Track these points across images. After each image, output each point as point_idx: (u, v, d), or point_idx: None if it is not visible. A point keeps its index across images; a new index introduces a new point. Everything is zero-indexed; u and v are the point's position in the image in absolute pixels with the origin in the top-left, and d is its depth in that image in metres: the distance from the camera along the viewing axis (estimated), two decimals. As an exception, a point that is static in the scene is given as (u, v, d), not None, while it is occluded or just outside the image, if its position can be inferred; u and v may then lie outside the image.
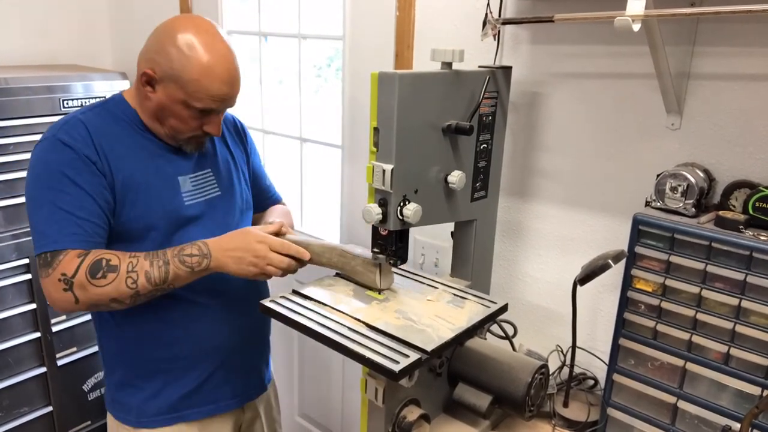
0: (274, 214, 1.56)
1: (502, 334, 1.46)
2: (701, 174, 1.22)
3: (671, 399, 1.20)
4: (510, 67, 1.40)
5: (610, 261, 1.24)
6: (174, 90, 1.22)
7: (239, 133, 1.54)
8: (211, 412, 1.44)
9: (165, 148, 1.33)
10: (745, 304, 1.09)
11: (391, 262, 1.25)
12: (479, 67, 1.38)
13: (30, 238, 2.12)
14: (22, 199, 2.12)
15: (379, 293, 1.28)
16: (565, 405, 1.39)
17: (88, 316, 2.38)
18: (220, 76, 1.22)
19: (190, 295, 1.33)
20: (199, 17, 1.29)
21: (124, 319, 1.34)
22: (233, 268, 1.22)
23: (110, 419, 1.45)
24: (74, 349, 2.39)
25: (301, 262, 1.29)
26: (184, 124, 1.27)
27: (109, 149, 1.24)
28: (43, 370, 2.30)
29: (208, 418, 1.44)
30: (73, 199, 1.19)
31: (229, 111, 1.53)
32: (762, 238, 1.07)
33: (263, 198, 1.61)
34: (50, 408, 2.35)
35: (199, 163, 1.39)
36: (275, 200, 1.65)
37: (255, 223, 1.55)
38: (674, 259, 1.16)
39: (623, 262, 1.23)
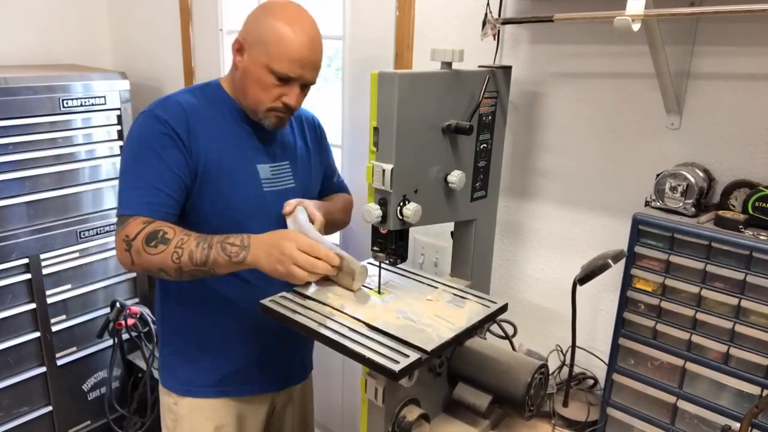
0: (328, 200, 1.63)
1: (502, 334, 1.46)
2: (701, 174, 1.22)
3: (671, 399, 1.20)
4: (510, 67, 1.40)
5: (609, 261, 1.24)
6: (258, 53, 1.31)
7: (317, 131, 1.62)
8: (252, 391, 1.53)
9: (254, 137, 1.42)
10: (744, 303, 1.09)
11: (391, 261, 1.25)
12: (479, 66, 1.38)
13: (29, 238, 2.15)
14: (23, 199, 2.13)
15: (379, 292, 1.28)
16: (565, 405, 1.39)
17: (88, 317, 2.40)
18: (301, 39, 1.30)
19: (249, 276, 1.39)
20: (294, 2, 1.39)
21: (186, 295, 1.44)
22: (264, 264, 1.23)
23: (161, 387, 1.54)
24: (74, 348, 2.39)
25: (333, 267, 1.24)
26: (265, 92, 1.33)
27: (200, 128, 1.33)
28: (43, 369, 2.30)
29: (248, 396, 1.52)
30: (155, 171, 1.29)
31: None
32: (762, 237, 1.07)
33: (330, 192, 1.67)
34: (50, 408, 2.35)
35: (280, 153, 1.47)
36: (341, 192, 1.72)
37: None
38: (674, 258, 1.16)
39: (623, 261, 1.23)
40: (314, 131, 1.60)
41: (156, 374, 1.81)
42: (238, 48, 1.35)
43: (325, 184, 1.65)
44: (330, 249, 1.24)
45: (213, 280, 1.31)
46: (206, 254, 1.23)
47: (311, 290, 1.28)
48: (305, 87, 1.38)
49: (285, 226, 1.40)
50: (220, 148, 1.36)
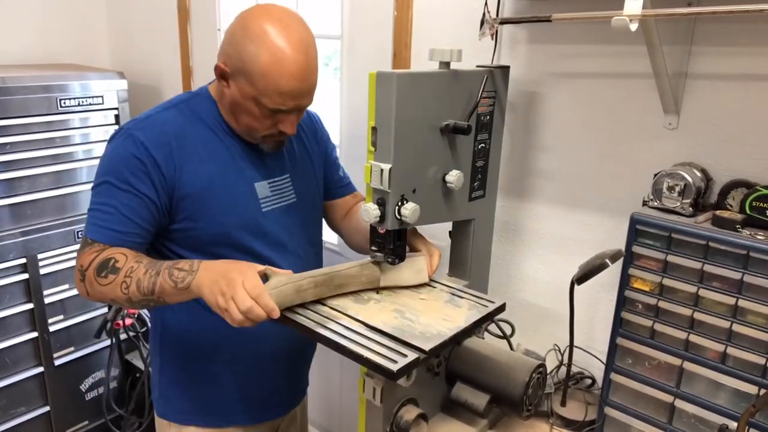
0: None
1: (500, 334, 1.47)
2: (698, 173, 1.22)
3: (668, 398, 1.21)
4: (508, 67, 1.40)
5: (607, 260, 1.24)
6: (244, 85, 1.16)
7: (314, 125, 1.48)
8: (259, 419, 1.44)
9: (249, 152, 1.29)
10: (742, 303, 1.09)
11: (389, 261, 1.25)
12: (477, 66, 1.38)
13: (27, 238, 2.15)
14: (20, 199, 2.13)
15: (377, 292, 1.27)
16: (563, 404, 1.39)
17: (86, 317, 2.39)
18: (290, 69, 1.12)
19: None
20: (275, 5, 1.20)
21: (187, 324, 1.33)
22: (206, 294, 1.08)
23: (157, 417, 1.44)
24: (71, 348, 2.38)
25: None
26: (258, 122, 1.20)
27: (189, 150, 1.21)
28: (41, 369, 2.29)
29: (254, 425, 1.43)
30: (123, 196, 1.18)
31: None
32: (759, 237, 1.08)
33: (335, 187, 1.53)
34: (47, 408, 2.35)
35: (278, 167, 1.34)
36: (349, 190, 1.56)
37: (333, 210, 1.52)
38: (671, 258, 1.16)
39: (621, 261, 1.24)
40: (311, 127, 1.46)
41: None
42: (221, 75, 1.19)
43: (332, 181, 1.50)
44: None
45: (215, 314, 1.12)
46: (153, 282, 1.11)
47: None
48: (301, 111, 1.25)
49: (288, 246, 1.33)
50: (212, 170, 1.23)
